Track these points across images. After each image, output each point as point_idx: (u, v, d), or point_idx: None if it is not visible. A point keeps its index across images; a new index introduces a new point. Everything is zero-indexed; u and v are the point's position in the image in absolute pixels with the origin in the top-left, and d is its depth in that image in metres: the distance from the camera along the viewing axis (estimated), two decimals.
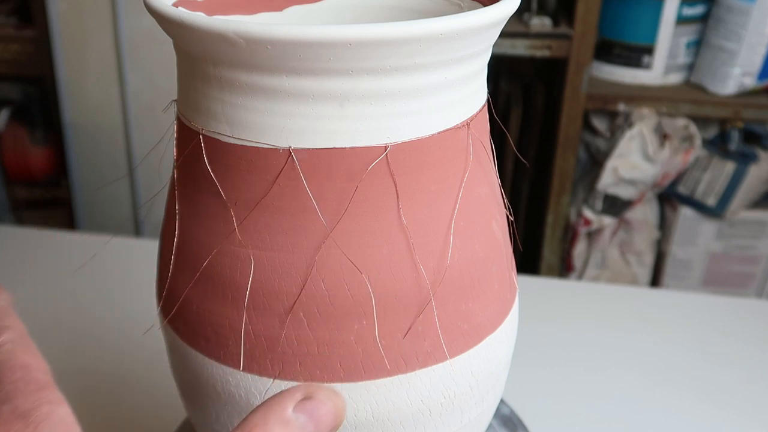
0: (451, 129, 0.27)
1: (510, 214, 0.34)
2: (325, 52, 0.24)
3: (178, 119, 0.29)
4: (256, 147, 0.26)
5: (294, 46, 0.23)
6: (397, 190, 0.27)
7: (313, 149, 0.26)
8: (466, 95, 0.28)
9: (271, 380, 0.29)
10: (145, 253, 0.39)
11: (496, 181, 0.31)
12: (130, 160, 1.24)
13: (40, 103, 1.33)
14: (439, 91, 0.26)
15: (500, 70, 1.36)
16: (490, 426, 0.44)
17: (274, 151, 0.26)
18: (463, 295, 0.29)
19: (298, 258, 0.27)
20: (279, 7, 0.35)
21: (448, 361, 0.29)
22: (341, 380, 0.28)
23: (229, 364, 0.29)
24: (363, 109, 0.25)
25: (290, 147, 0.26)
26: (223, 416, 0.31)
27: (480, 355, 0.30)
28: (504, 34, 1.19)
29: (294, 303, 0.27)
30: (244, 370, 0.29)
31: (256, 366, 0.29)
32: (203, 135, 0.27)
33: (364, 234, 0.27)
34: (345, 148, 0.26)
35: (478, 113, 0.29)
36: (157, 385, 0.58)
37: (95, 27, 1.15)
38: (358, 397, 0.28)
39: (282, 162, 0.26)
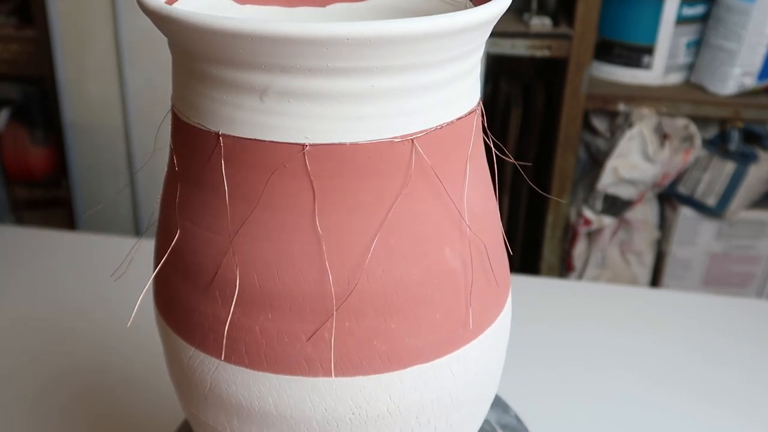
0: (385, 141, 0.26)
1: (506, 241, 0.33)
2: (247, 45, 0.24)
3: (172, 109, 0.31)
4: (197, 127, 0.28)
5: (220, 36, 0.24)
6: (314, 192, 0.27)
7: (237, 137, 0.27)
8: (411, 110, 0.26)
9: (218, 361, 0.30)
10: (145, 253, 0.39)
11: (462, 203, 0.29)
12: (130, 160, 1.23)
13: (40, 103, 1.33)
14: (366, 100, 0.26)
15: (500, 70, 1.36)
16: (489, 425, 0.44)
17: (208, 134, 0.28)
18: (385, 315, 0.28)
19: (219, 239, 0.28)
20: (322, 3, 0.35)
21: (357, 378, 0.28)
22: (246, 366, 0.29)
23: (186, 339, 0.31)
24: (282, 106, 0.26)
25: (219, 132, 0.27)
26: (204, 405, 0.31)
27: (402, 381, 0.29)
28: (504, 34, 1.19)
29: (211, 281, 0.29)
30: (198, 348, 0.30)
31: (205, 345, 0.30)
32: (173, 112, 0.30)
33: (279, 228, 0.27)
34: (265, 141, 0.26)
35: (432, 130, 0.27)
36: (157, 386, 0.58)
37: (95, 27, 1.15)
38: (261, 386, 0.29)
39: (213, 145, 0.27)
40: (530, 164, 1.31)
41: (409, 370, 0.29)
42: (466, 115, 0.29)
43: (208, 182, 0.28)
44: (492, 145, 0.32)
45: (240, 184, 0.27)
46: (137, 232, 1.26)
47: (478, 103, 0.30)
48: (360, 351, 0.28)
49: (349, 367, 0.28)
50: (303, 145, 0.26)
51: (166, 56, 0.32)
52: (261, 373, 0.29)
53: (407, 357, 0.29)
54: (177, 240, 0.30)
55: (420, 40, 0.25)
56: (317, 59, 0.24)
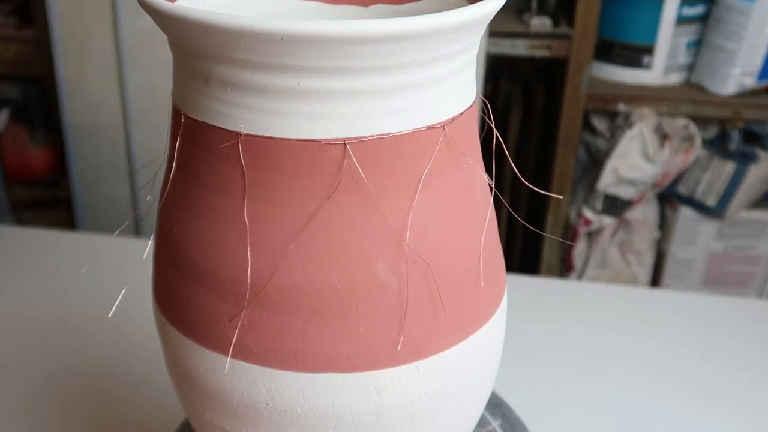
0: (315, 142, 0.26)
1: (501, 262, 0.32)
2: (192, 34, 0.26)
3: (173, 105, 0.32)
4: (175, 107, 0.29)
5: (178, 23, 0.26)
6: (245, 180, 0.27)
7: (192, 118, 0.28)
8: (345, 114, 0.26)
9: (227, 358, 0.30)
10: (144, 253, 0.39)
11: (406, 220, 0.28)
12: (130, 160, 1.24)
13: (40, 103, 1.33)
14: (294, 97, 0.26)
15: (500, 70, 1.36)
16: (488, 422, 0.44)
17: (177, 113, 0.29)
18: (301, 315, 0.28)
19: (178, 214, 0.30)
20: (365, 3, 0.35)
21: (270, 369, 0.29)
22: (197, 342, 0.30)
23: (191, 338, 0.31)
24: (222, 93, 0.27)
25: (183, 112, 0.29)
26: (208, 402, 0.31)
27: (316, 385, 0.29)
28: (504, 34, 1.19)
29: (179, 259, 0.30)
30: (178, 329, 0.31)
31: (180, 325, 0.31)
32: (187, 118, 0.30)
33: (214, 210, 0.28)
34: (209, 124, 0.28)
35: (369, 139, 0.26)
36: (157, 385, 0.58)
37: (95, 27, 1.15)
38: (209, 363, 0.30)
39: (179, 124, 0.29)
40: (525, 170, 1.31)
41: (324, 375, 0.29)
42: (423, 130, 0.27)
43: (177, 162, 0.30)
44: (492, 146, 0.32)
45: (190, 162, 0.29)
46: (137, 232, 1.26)
47: (452, 120, 0.28)
48: (274, 344, 0.29)
49: (263, 357, 0.29)
50: (238, 134, 0.27)
51: (166, 56, 0.32)
52: (207, 351, 0.30)
53: (321, 362, 0.28)
54: (158, 222, 0.32)
55: (341, 43, 0.24)
56: (243, 52, 0.25)
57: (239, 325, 0.29)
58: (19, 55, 1.24)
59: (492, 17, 0.27)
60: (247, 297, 0.28)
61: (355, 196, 0.27)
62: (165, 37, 0.29)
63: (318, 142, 0.26)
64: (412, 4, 0.35)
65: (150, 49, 1.14)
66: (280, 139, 0.26)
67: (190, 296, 0.30)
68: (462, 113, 0.29)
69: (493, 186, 0.32)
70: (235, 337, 0.29)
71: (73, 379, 0.59)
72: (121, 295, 0.31)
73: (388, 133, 0.27)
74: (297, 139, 0.26)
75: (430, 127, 0.27)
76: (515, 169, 0.34)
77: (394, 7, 0.35)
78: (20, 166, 1.35)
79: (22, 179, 1.37)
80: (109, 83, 1.18)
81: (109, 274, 0.71)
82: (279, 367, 0.29)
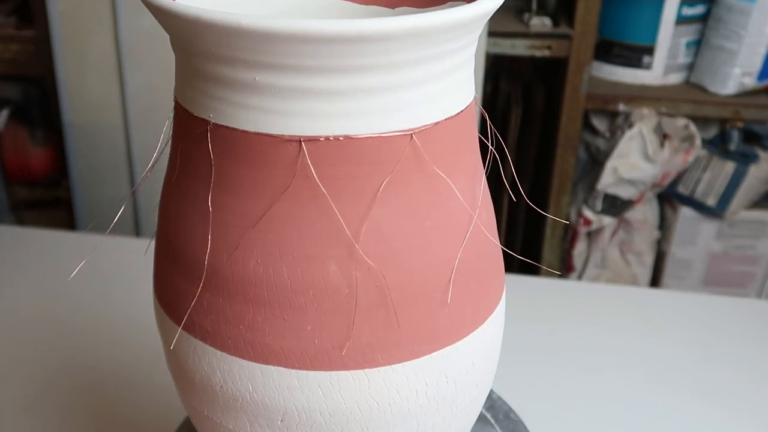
0: (273, 136, 0.26)
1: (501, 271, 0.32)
2: (169, 23, 0.26)
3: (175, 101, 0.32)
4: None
5: (165, 16, 0.26)
6: (212, 169, 0.28)
7: (178, 103, 0.30)
8: (300, 111, 0.26)
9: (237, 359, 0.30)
10: (144, 253, 0.39)
11: (361, 227, 0.27)
12: (130, 160, 1.23)
13: (40, 103, 1.33)
14: (252, 91, 0.26)
15: (500, 70, 1.36)
16: (489, 422, 0.44)
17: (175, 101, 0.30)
18: (253, 305, 0.28)
19: (164, 201, 0.32)
20: (392, 5, 0.35)
21: (225, 354, 0.30)
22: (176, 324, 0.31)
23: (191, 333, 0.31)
24: (195, 81, 0.28)
25: (176, 100, 0.30)
26: (257, 417, 0.31)
27: (264, 376, 0.29)
28: (504, 34, 1.19)
29: (168, 246, 0.31)
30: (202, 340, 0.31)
31: (191, 327, 0.31)
32: (177, 104, 0.31)
33: (187, 195, 0.29)
34: (190, 112, 0.28)
35: (324, 139, 0.26)
36: (157, 385, 0.58)
37: (95, 27, 1.15)
38: (184, 344, 0.31)
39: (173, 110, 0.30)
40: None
41: (271, 368, 0.29)
42: (386, 135, 0.26)
43: (171, 153, 0.31)
44: (490, 145, 0.32)
45: (178, 152, 0.30)
46: (137, 232, 1.26)
47: (423, 128, 0.27)
48: (227, 329, 0.29)
49: (218, 341, 0.30)
50: (208, 122, 0.27)
51: (166, 56, 0.33)
52: (182, 332, 0.31)
53: (268, 354, 0.29)
54: (158, 215, 0.33)
55: (290, 42, 0.24)
56: (205, 44, 0.26)
57: (199, 306, 0.30)
58: (19, 55, 1.24)
59: (458, 28, 0.26)
60: (203, 279, 0.29)
61: (309, 194, 0.27)
62: (165, 37, 0.29)
63: (274, 137, 0.26)
64: (437, 8, 0.35)
65: (150, 49, 1.14)
66: (241, 130, 0.27)
67: (177, 284, 0.31)
68: (438, 123, 0.28)
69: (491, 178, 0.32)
70: (187, 314, 0.30)
71: (73, 379, 0.59)
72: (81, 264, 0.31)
73: (346, 135, 0.26)
74: (255, 132, 0.27)
75: (395, 134, 0.27)
76: (515, 172, 0.34)
77: (417, 10, 0.35)
78: (20, 166, 1.35)
79: (22, 179, 1.37)
80: (109, 83, 1.18)
81: (109, 274, 0.71)
82: (230, 353, 0.29)
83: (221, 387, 0.30)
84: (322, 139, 0.26)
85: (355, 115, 0.26)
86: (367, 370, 0.29)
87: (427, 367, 0.30)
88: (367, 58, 0.25)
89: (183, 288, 0.30)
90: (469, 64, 0.29)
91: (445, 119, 0.28)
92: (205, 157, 0.28)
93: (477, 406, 0.34)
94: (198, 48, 0.26)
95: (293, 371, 0.29)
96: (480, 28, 0.28)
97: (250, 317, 0.29)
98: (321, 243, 0.27)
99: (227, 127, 0.27)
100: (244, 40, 0.24)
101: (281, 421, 0.30)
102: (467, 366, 0.31)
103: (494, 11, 0.27)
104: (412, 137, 0.27)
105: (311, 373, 0.29)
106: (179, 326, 0.31)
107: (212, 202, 0.28)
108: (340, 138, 0.26)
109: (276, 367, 0.29)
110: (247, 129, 0.27)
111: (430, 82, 0.27)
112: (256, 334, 0.29)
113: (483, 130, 0.35)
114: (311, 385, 0.29)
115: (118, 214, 0.34)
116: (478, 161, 0.31)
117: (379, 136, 0.26)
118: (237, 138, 0.27)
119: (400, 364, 0.29)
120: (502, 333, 0.34)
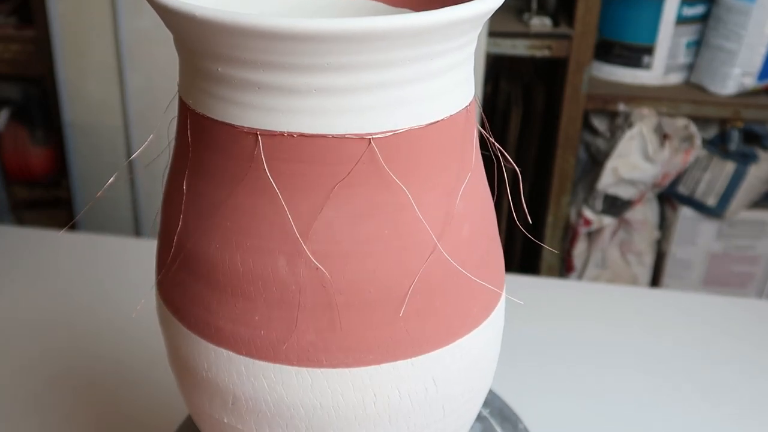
0: (229, 125, 0.27)
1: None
2: (179, 22, 0.27)
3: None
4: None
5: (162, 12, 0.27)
6: (189, 154, 0.29)
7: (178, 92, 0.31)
8: (258, 105, 0.26)
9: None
10: (144, 253, 0.39)
11: (310, 226, 0.27)
12: (130, 160, 1.24)
13: (40, 103, 1.33)
14: (214, 81, 0.27)
15: (500, 70, 1.36)
16: (489, 423, 0.44)
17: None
18: (209, 289, 0.30)
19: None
20: (418, 8, 0.35)
21: (190, 334, 0.31)
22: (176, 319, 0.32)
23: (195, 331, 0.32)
24: (181, 69, 0.29)
25: (178, 90, 0.31)
26: (213, 396, 0.32)
27: (216, 356, 0.30)
28: (504, 34, 1.19)
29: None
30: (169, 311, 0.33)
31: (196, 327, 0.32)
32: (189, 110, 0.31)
33: (176, 183, 0.30)
34: (181, 98, 0.30)
35: (278, 135, 0.26)
36: (157, 385, 0.58)
37: (95, 27, 1.15)
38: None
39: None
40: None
41: (222, 350, 0.30)
42: (341, 137, 0.26)
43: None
44: (490, 146, 0.32)
45: (176, 139, 0.31)
46: (137, 232, 1.27)
47: (382, 134, 0.26)
48: (188, 306, 0.31)
49: (181, 316, 0.31)
50: (187, 107, 0.29)
51: (165, 57, 0.33)
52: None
53: (220, 337, 0.30)
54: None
55: (243, 35, 0.25)
56: (177, 33, 0.27)
57: (171, 282, 0.31)
58: (19, 55, 1.24)
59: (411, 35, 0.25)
60: (170, 255, 0.31)
61: (262, 187, 0.27)
62: (165, 37, 0.29)
63: (235, 127, 0.27)
64: (402, 10, 0.35)
65: (150, 49, 1.14)
66: (209, 117, 0.28)
67: (160, 261, 0.32)
68: (405, 131, 0.27)
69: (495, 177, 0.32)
70: (167, 295, 0.32)
71: (74, 379, 0.59)
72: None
73: (300, 133, 0.26)
74: (222, 121, 0.27)
75: (350, 137, 0.26)
76: (517, 169, 0.34)
77: (401, 10, 0.35)
78: (20, 166, 1.35)
79: (22, 179, 1.37)
80: (109, 83, 1.18)
81: (109, 274, 0.71)
82: (190, 329, 0.31)
83: (185, 362, 0.32)
84: (277, 134, 0.26)
85: (309, 113, 0.26)
86: (309, 369, 0.29)
87: (375, 377, 0.29)
88: (317, 57, 0.24)
89: (162, 263, 0.32)
90: (448, 75, 0.27)
91: (417, 128, 0.27)
92: (186, 143, 0.29)
93: (447, 426, 0.32)
94: (177, 36, 0.28)
95: (241, 357, 0.30)
96: (447, 39, 0.26)
97: (206, 298, 0.30)
98: (272, 236, 0.28)
99: (201, 115, 0.28)
100: (203, 31, 0.25)
101: (231, 404, 0.31)
102: (426, 384, 0.30)
103: (447, 23, 0.25)
104: (370, 142, 0.26)
105: (257, 362, 0.29)
106: (162, 301, 0.33)
107: (187, 186, 0.30)
108: (294, 135, 0.26)
109: (227, 351, 0.30)
110: (215, 117, 0.28)
111: (388, 88, 0.26)
112: (212, 316, 0.30)
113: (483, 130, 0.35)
114: (257, 374, 0.30)
115: (110, 180, 0.34)
116: (463, 172, 0.29)
117: (334, 137, 0.26)
118: (208, 126, 0.28)
119: (346, 369, 0.29)
120: (491, 348, 0.33)
